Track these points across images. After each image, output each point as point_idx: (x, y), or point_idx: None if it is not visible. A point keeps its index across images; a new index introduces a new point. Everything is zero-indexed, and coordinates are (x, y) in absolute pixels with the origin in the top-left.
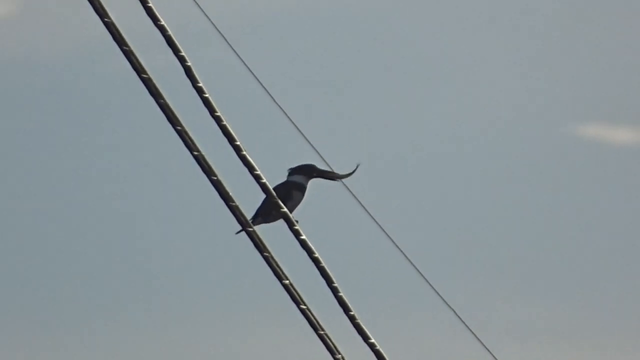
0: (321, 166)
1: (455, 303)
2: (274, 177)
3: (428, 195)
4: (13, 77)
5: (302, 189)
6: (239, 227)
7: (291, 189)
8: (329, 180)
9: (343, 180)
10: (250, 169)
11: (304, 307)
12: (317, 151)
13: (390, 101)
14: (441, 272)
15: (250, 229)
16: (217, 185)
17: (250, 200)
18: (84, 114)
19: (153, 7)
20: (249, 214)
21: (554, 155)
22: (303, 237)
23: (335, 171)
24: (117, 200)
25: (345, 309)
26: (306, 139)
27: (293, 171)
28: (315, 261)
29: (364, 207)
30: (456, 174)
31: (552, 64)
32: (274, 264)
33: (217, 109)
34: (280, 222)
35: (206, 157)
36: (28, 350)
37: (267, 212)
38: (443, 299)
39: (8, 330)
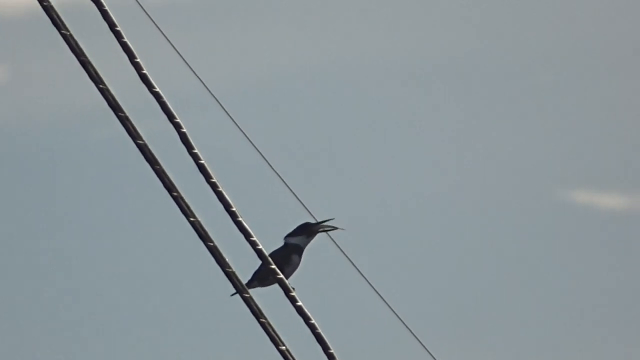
0: (314, 222)
1: None
2: (270, 242)
3: (425, 258)
4: (5, 144)
5: (299, 251)
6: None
7: (289, 253)
8: (328, 232)
9: (339, 247)
10: (247, 235)
11: None
12: (312, 215)
13: (386, 160)
14: (441, 340)
15: (247, 295)
16: (214, 251)
17: (247, 266)
18: (78, 180)
19: (147, 74)
20: (245, 279)
21: (544, 220)
22: (299, 303)
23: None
24: (112, 266)
25: None
26: (301, 203)
27: (291, 235)
28: (312, 327)
29: (362, 274)
30: (448, 237)
31: (542, 130)
32: (271, 330)
33: (212, 175)
34: (277, 286)
35: (202, 223)
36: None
37: (264, 278)
38: None
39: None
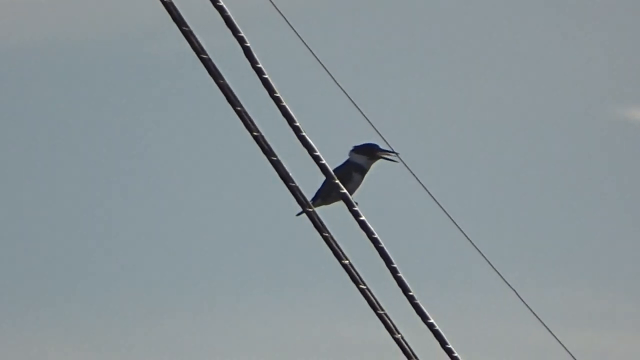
0: (383, 146)
1: (516, 284)
2: (333, 158)
3: (486, 176)
4: (67, 58)
5: (362, 171)
6: (298, 208)
7: (351, 171)
8: (389, 161)
9: (405, 163)
10: (310, 150)
11: (363, 287)
12: (377, 130)
13: (447, 82)
14: (502, 253)
15: (310, 209)
16: (277, 166)
17: (310, 181)
18: (141, 95)
19: None
20: (308, 195)
21: (601, 137)
22: (362, 218)
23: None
24: (177, 182)
25: (404, 289)
26: (367, 119)
27: (355, 150)
28: (375, 242)
29: (424, 187)
30: (509, 155)
31: (599, 47)
32: (334, 244)
33: (276, 90)
34: (340, 204)
35: (266, 137)
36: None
37: (327, 194)
38: (504, 279)
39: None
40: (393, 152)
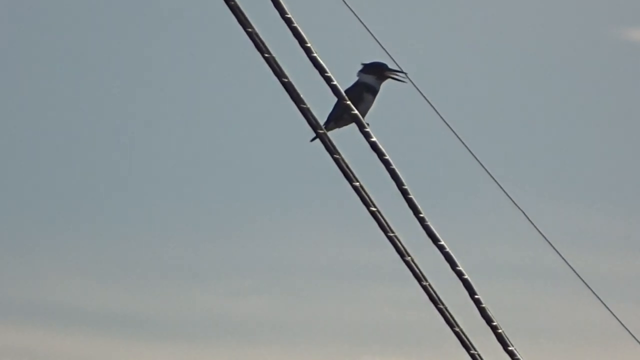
0: (391, 66)
1: (526, 207)
2: (345, 79)
3: (497, 99)
4: None
5: (373, 91)
6: (310, 130)
7: (362, 92)
8: (398, 82)
9: (415, 84)
10: (321, 71)
11: (374, 209)
12: (385, 49)
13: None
14: (513, 175)
15: (322, 131)
16: (288, 87)
17: (321, 104)
18: (149, 20)
19: None
20: (320, 118)
21: (600, 57)
22: (373, 139)
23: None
24: (189, 102)
25: (415, 211)
26: (376, 40)
27: (364, 70)
28: (386, 163)
29: (434, 108)
30: (519, 80)
31: None
32: (345, 166)
33: (287, 11)
34: (352, 126)
35: (277, 59)
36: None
37: (339, 116)
38: (513, 201)
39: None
40: (401, 71)
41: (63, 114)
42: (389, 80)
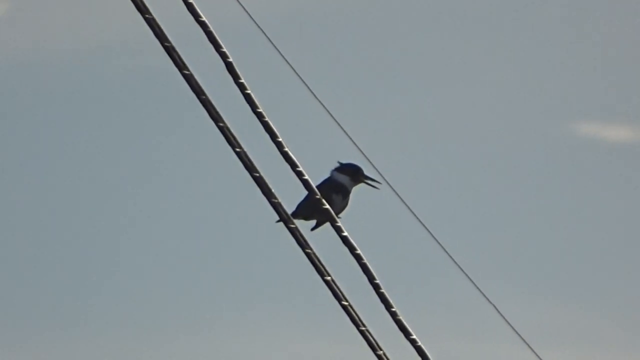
0: (367, 172)
1: (498, 302)
2: (316, 175)
3: (467, 196)
4: (48, 72)
5: (345, 191)
6: (281, 223)
7: (331, 191)
8: (370, 184)
9: (389, 183)
10: (292, 165)
11: (345, 303)
12: (359, 147)
13: (427, 100)
14: (484, 271)
15: (293, 226)
16: (259, 182)
17: (292, 197)
18: (123, 112)
19: (194, 3)
20: (290, 210)
21: (550, 154)
22: (345, 233)
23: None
24: (158, 195)
25: (387, 305)
26: (348, 136)
27: (339, 169)
28: (357, 257)
29: (407, 205)
30: (488, 176)
31: (547, 62)
32: (316, 260)
33: (259, 105)
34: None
35: (248, 153)
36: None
37: (310, 210)
38: (484, 295)
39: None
40: (376, 181)
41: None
42: (362, 184)
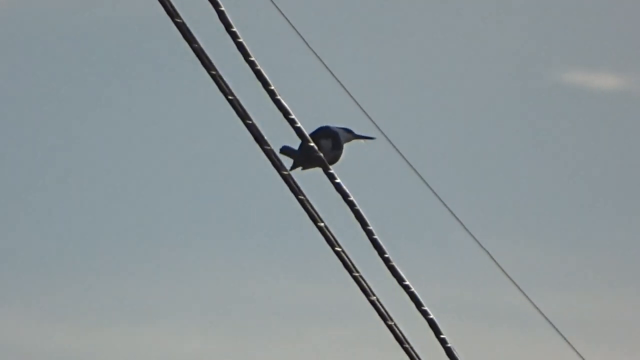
0: (358, 132)
1: (490, 247)
2: (308, 124)
3: (458, 141)
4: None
5: (337, 142)
6: (274, 173)
7: (323, 137)
8: (364, 140)
9: (383, 132)
10: (285, 113)
11: (339, 249)
12: (352, 97)
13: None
14: (477, 217)
15: (286, 172)
16: (252, 129)
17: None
18: (116, 61)
19: None
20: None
21: (537, 102)
22: (337, 180)
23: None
24: (150, 143)
25: (380, 251)
26: (341, 84)
27: (332, 126)
28: (350, 204)
29: (401, 154)
30: (450, 122)
31: (534, 10)
32: (309, 207)
33: (250, 54)
34: (317, 170)
35: (240, 101)
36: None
37: (303, 158)
38: (477, 241)
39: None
40: (370, 137)
41: (20, 168)
42: (357, 141)
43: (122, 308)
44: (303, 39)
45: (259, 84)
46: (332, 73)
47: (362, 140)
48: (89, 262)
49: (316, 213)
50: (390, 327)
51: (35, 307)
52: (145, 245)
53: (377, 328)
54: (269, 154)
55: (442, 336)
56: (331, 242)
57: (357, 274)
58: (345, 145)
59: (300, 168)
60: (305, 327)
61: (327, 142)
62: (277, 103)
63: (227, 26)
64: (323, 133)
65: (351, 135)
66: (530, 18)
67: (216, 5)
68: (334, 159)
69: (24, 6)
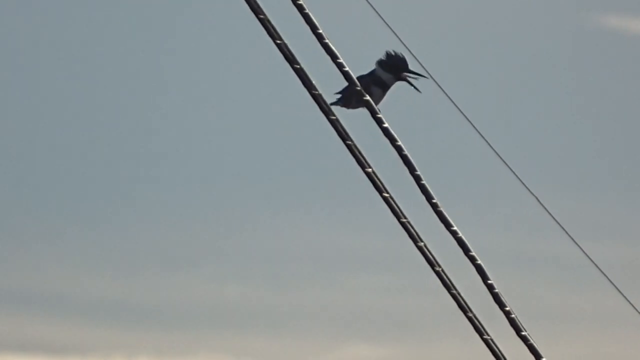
0: (412, 66)
1: (541, 195)
2: (357, 68)
3: (509, 90)
4: None
5: (384, 87)
6: (321, 115)
7: (371, 85)
8: (413, 87)
9: (431, 76)
10: (333, 57)
11: (386, 195)
12: (402, 42)
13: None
14: (529, 165)
15: (333, 117)
16: (300, 74)
17: (333, 90)
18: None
19: None
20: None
21: (575, 46)
22: (386, 125)
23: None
24: (200, 88)
25: (428, 196)
26: (389, 27)
27: (381, 64)
28: (398, 149)
29: (448, 97)
30: (495, 67)
31: None
32: (357, 152)
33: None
34: (364, 114)
35: (289, 45)
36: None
37: (348, 100)
38: (529, 189)
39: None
40: (422, 75)
41: (61, 115)
42: (404, 83)
43: (164, 254)
44: None
45: (308, 29)
46: (380, 16)
47: (410, 83)
48: (132, 210)
49: (364, 158)
50: (437, 273)
51: (76, 253)
52: (189, 194)
53: (424, 274)
54: (317, 98)
55: (489, 282)
56: (379, 188)
57: (404, 220)
58: (393, 88)
59: (344, 107)
60: (353, 274)
61: (377, 90)
62: (326, 47)
63: None
64: (373, 79)
65: (401, 74)
66: None
67: None
68: (379, 102)
69: None
